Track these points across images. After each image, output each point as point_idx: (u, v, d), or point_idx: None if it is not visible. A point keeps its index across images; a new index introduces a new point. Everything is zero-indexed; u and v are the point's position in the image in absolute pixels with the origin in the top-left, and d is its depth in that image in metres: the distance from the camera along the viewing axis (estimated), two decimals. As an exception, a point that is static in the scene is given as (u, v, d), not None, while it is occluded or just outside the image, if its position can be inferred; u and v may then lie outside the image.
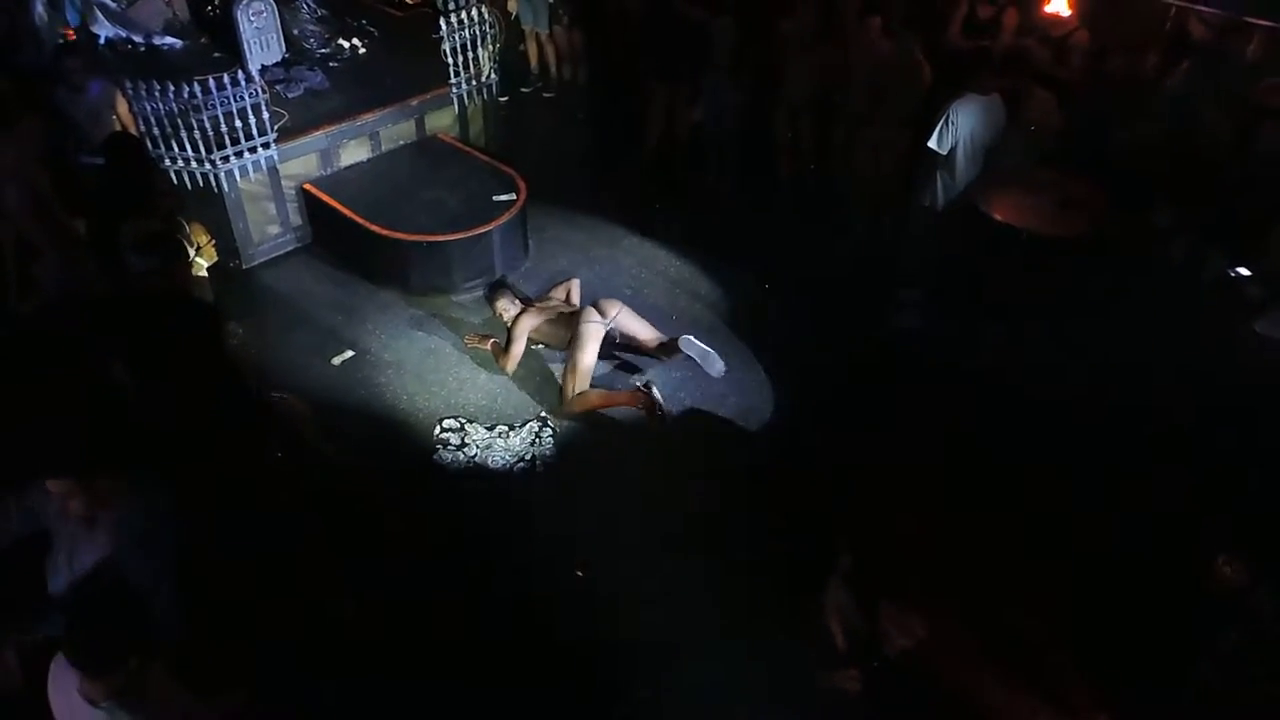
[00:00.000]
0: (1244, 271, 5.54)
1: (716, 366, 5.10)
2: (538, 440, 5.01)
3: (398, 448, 4.98)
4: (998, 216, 5.48)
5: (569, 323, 5.24)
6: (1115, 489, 4.54)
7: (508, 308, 5.41)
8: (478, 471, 4.84)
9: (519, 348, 5.28)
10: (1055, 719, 3.64)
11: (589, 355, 5.13)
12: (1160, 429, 4.82)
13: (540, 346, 5.56)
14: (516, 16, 8.58)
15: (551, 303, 5.49)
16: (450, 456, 4.90)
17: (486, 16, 6.97)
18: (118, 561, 2.79)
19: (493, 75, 7.27)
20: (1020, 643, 3.90)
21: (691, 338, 5.10)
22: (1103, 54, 6.10)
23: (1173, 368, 5.10)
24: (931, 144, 5.38)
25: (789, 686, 3.79)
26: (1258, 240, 5.44)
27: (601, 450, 5.00)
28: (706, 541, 4.42)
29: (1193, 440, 4.70)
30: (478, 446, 4.96)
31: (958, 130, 5.37)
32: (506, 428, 5.08)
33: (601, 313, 5.21)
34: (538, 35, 8.76)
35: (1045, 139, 5.76)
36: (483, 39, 7.00)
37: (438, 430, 5.05)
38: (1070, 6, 6.28)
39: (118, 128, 5.74)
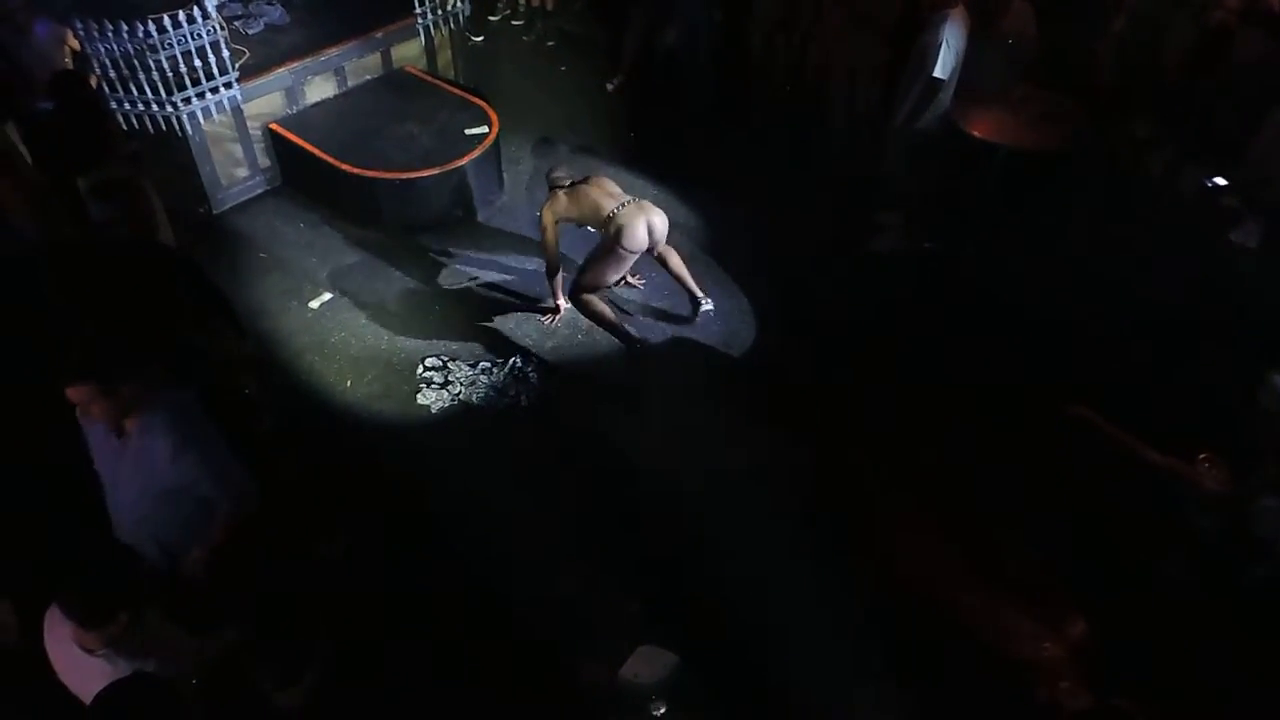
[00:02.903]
0: (1220, 182, 5.52)
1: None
2: (521, 375, 5.01)
3: (380, 389, 4.97)
4: (976, 133, 5.42)
5: (606, 219, 4.87)
6: (1096, 401, 4.61)
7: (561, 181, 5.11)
8: (463, 409, 4.85)
9: (550, 237, 5.10)
10: (1035, 628, 3.76)
11: (616, 271, 5.05)
12: (1139, 340, 4.87)
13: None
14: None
15: (591, 194, 4.98)
16: (434, 395, 4.90)
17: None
18: (153, 468, 2.87)
19: (459, 4, 7.06)
20: (1001, 557, 4.01)
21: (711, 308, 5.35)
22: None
23: (1152, 278, 5.13)
24: (938, 73, 5.22)
25: (792, 605, 3.88)
26: (1234, 151, 5.41)
27: (586, 381, 5.02)
28: (694, 466, 4.47)
29: (1170, 350, 4.76)
30: (461, 384, 4.96)
31: (954, 51, 5.24)
32: (490, 364, 5.08)
33: (652, 240, 4.94)
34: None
35: (1024, 51, 5.66)
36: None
37: (420, 369, 5.04)
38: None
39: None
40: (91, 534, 3.14)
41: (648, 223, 4.85)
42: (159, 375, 2.92)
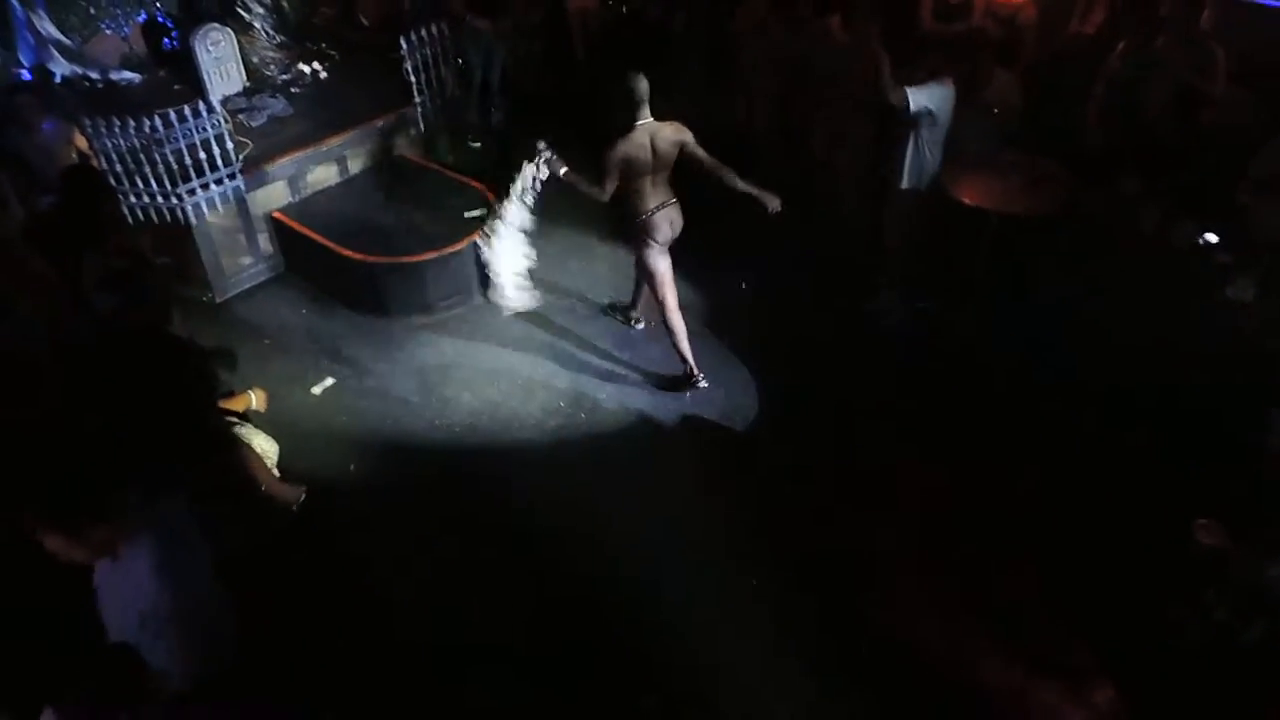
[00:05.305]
0: (1212, 238, 5.59)
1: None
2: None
3: (384, 472, 4.93)
4: (967, 200, 5.50)
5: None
6: (1098, 458, 4.60)
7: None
8: (467, 491, 4.80)
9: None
10: (1060, 695, 3.67)
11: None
12: (1139, 396, 4.87)
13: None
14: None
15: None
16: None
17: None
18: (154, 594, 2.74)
19: (455, 91, 7.25)
20: (1022, 622, 3.94)
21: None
22: (1052, 30, 6.17)
23: (1149, 336, 5.16)
24: (913, 108, 5.28)
25: (782, 681, 3.80)
26: (1223, 206, 5.49)
27: (588, 459, 4.99)
28: (699, 539, 4.43)
29: (1170, 405, 4.76)
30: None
31: (935, 108, 5.34)
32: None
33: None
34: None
35: (1009, 120, 5.79)
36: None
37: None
38: (1024, -14, 6.33)
39: (78, 166, 5.67)
40: (87, 635, 3.07)
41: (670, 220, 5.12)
42: (140, 500, 2.74)
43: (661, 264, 5.22)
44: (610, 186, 4.86)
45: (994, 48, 5.81)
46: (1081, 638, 3.83)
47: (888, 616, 4.03)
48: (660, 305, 5.30)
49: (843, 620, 4.02)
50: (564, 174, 4.92)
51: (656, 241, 5.14)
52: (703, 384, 5.35)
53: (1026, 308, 5.55)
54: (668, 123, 4.92)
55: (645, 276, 5.32)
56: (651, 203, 5.02)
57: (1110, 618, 3.85)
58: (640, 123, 4.84)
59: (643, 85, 4.81)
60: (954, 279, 5.78)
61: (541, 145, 4.94)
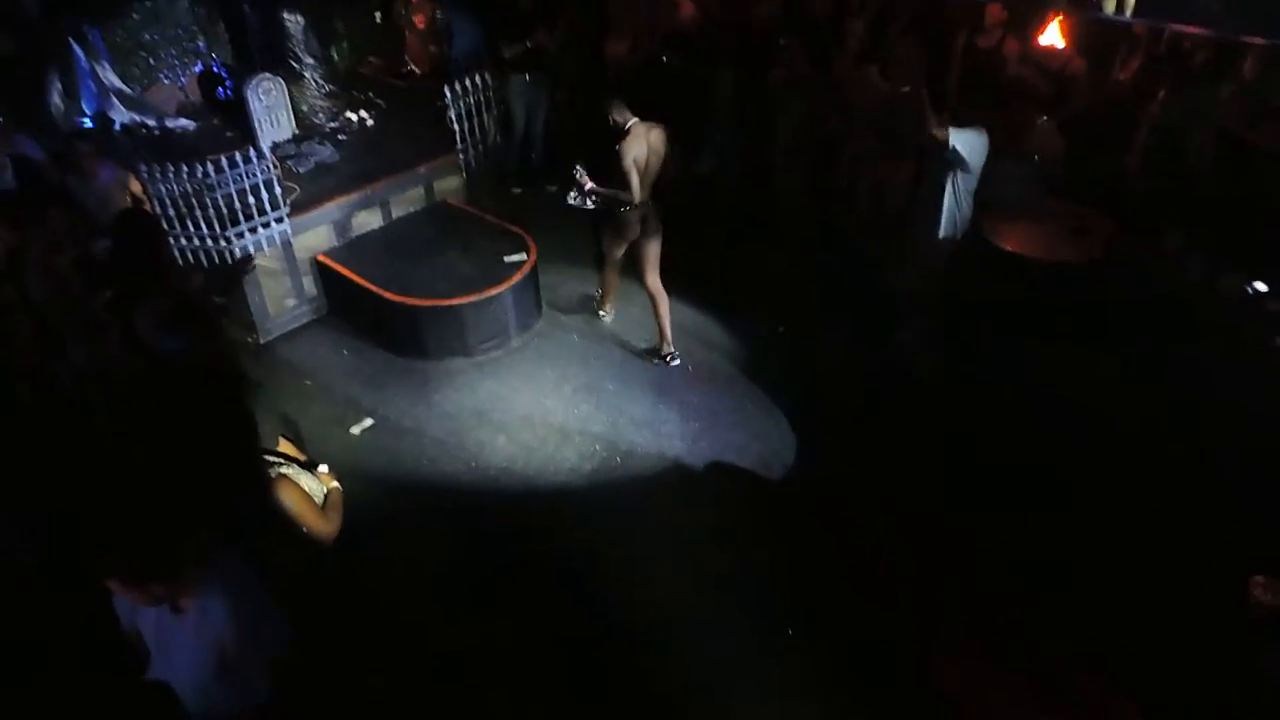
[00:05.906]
0: (1261, 287, 5.48)
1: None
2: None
3: (419, 513, 4.95)
4: (1008, 247, 5.47)
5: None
6: (1149, 513, 4.48)
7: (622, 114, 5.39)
8: (504, 533, 4.80)
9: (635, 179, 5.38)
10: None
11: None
12: (1190, 449, 4.76)
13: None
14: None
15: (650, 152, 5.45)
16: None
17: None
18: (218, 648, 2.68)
19: (497, 139, 7.40)
20: (1065, 678, 3.83)
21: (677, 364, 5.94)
22: (1098, 82, 6.15)
23: (1197, 387, 5.05)
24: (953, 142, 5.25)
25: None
26: (1270, 254, 5.40)
27: (623, 504, 4.96)
28: (734, 587, 4.38)
29: (1223, 458, 4.64)
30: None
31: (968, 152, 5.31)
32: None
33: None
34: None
35: (1050, 167, 5.77)
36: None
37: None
38: (1064, 37, 6.33)
39: (132, 211, 5.84)
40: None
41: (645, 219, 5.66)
42: (200, 555, 2.67)
43: (618, 250, 5.88)
44: (636, 183, 5.29)
45: (1036, 97, 5.80)
46: (1131, 702, 3.71)
47: (928, 673, 3.93)
48: (605, 266, 6.11)
49: (881, 674, 3.93)
50: (590, 188, 5.56)
51: (623, 238, 5.70)
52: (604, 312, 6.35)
53: (1071, 356, 5.46)
54: (654, 124, 5.39)
55: (607, 254, 6.00)
56: (634, 199, 5.43)
57: (1161, 681, 3.73)
58: (632, 122, 5.27)
59: (613, 99, 5.35)
60: (996, 325, 5.72)
61: (578, 168, 5.61)
